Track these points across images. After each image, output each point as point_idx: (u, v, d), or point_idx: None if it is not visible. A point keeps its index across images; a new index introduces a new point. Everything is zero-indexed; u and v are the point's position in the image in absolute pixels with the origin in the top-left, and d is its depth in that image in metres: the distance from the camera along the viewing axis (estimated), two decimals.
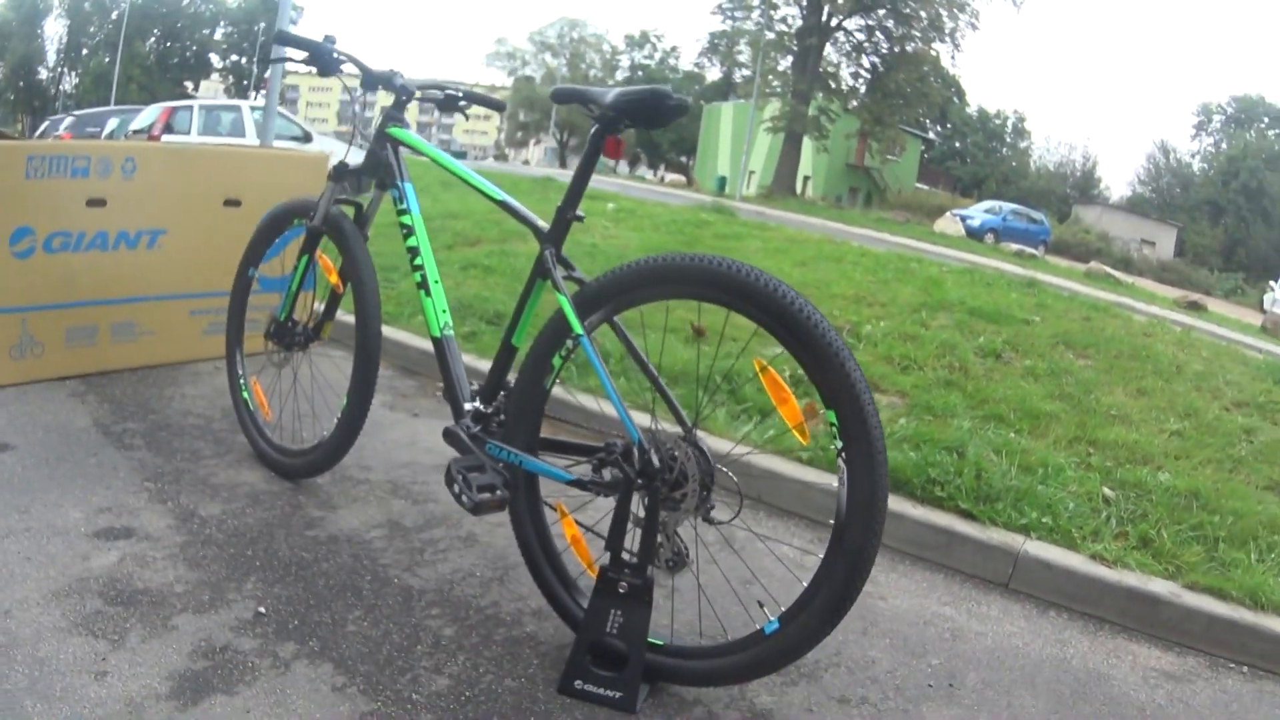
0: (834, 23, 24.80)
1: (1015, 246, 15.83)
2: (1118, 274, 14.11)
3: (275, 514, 2.05)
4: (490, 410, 1.78)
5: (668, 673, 1.55)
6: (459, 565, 1.93)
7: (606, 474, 1.57)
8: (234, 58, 41.68)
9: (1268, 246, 34.08)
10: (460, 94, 2.13)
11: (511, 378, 1.77)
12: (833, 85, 25.33)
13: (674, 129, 41.04)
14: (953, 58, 30.31)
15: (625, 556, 1.53)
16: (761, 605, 1.59)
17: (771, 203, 19.17)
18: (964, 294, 4.91)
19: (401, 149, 2.05)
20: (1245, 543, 2.18)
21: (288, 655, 1.51)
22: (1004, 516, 2.27)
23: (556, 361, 1.66)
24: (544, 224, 1.72)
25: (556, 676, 1.55)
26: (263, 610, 1.64)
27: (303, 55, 2.02)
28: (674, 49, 44.87)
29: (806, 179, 29.21)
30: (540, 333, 1.68)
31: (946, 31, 24.66)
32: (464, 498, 1.60)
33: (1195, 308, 10.20)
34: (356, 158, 2.13)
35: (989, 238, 20.15)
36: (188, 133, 11.02)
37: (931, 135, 31.98)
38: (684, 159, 42.70)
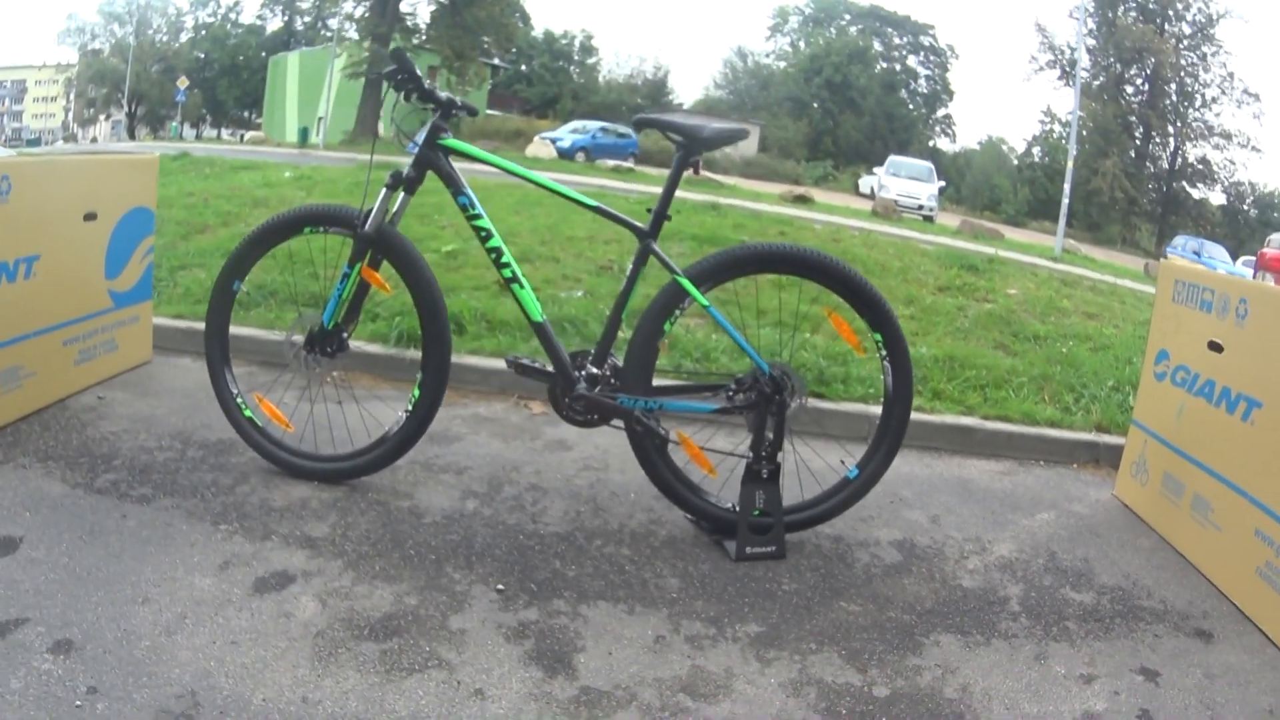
0: None
1: (611, 162, 17.69)
2: (718, 177, 16.67)
3: (378, 516, 2.30)
4: (602, 373, 2.38)
5: (788, 526, 2.40)
6: (561, 509, 2.45)
7: (739, 399, 2.33)
8: None
9: (857, 135, 42.16)
10: (458, 103, 2.52)
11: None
12: (411, 25, 27.06)
13: (237, 85, 42.78)
14: None
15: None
16: (843, 461, 2.53)
17: (359, 147, 19.55)
18: (676, 223, 6.16)
19: (453, 158, 2.40)
20: (1002, 385, 3.66)
21: (567, 608, 1.98)
22: (842, 392, 3.46)
23: (667, 326, 2.33)
24: (642, 225, 2.34)
25: (718, 554, 2.29)
26: (501, 587, 2.04)
27: (403, 74, 2.31)
28: (237, 3, 44.97)
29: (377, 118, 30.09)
30: (650, 305, 2.33)
31: None
32: (654, 438, 2.31)
33: (802, 200, 12.58)
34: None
35: (580, 156, 22.25)
36: None
37: (498, 61, 34.35)
38: (247, 114, 44.12)
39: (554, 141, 23.00)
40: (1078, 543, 2.60)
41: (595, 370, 2.37)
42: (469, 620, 1.91)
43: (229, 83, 42.79)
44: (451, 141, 2.39)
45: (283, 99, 37.00)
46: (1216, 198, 38.65)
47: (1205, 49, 36.46)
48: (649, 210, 2.36)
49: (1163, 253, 24.68)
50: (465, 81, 27.45)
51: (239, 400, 2.50)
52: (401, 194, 2.41)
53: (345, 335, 2.45)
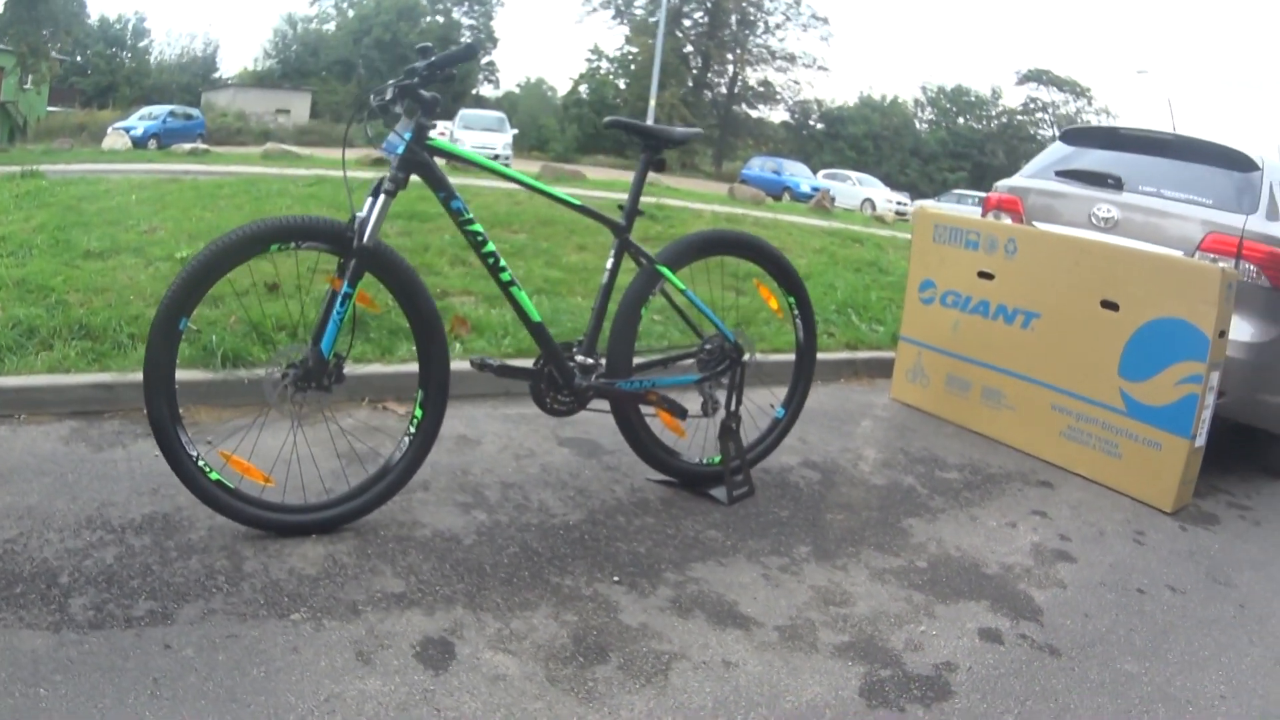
0: None
1: (188, 146, 16.45)
2: (295, 149, 15.40)
3: (423, 554, 2.27)
4: (593, 360, 2.62)
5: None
6: (556, 500, 2.66)
7: (714, 366, 2.78)
8: None
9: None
10: (440, 101, 2.42)
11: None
12: None
13: None
14: None
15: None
16: (772, 405, 3.11)
17: None
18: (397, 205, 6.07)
19: (437, 159, 2.34)
20: (745, 323, 4.51)
21: (680, 577, 2.28)
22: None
23: (644, 311, 2.69)
24: (621, 220, 2.61)
25: (710, 502, 2.76)
26: (617, 579, 2.25)
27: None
28: None
29: None
30: (627, 293, 2.66)
31: None
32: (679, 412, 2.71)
33: (384, 163, 12.43)
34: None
35: (152, 144, 22.68)
36: None
37: (56, 54, 30.36)
38: None
39: (128, 131, 22.95)
40: (908, 438, 3.59)
41: (588, 361, 2.62)
42: (635, 614, 2.11)
43: None
44: (439, 142, 2.36)
45: None
46: (780, 115, 45.19)
47: None
48: (620, 207, 2.65)
49: (740, 175, 29.14)
50: (37, 79, 26.45)
51: (201, 464, 2.19)
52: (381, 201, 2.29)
53: (342, 364, 2.30)
